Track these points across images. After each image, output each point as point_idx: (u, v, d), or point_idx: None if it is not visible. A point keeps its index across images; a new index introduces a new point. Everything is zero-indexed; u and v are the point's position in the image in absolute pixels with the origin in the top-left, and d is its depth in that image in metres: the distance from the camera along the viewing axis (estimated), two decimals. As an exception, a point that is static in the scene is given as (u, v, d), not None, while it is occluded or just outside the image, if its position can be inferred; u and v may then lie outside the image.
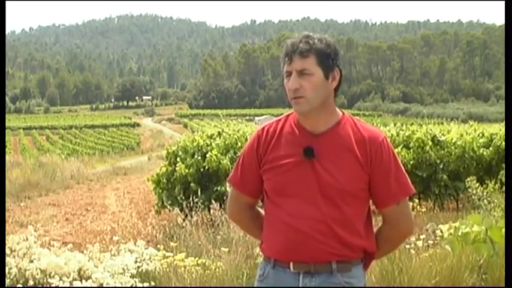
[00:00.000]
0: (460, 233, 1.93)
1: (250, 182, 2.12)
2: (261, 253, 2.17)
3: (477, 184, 6.49)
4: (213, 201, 7.12)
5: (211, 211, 6.74)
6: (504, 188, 4.17)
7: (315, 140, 2.01)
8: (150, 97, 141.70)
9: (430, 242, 4.61)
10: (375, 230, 2.13)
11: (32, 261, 3.95)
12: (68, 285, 3.72)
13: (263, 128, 2.11)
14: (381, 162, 2.01)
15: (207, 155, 8.31)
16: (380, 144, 2.02)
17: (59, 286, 3.71)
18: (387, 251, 2.30)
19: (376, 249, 2.10)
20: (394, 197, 2.05)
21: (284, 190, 2.02)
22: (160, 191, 8.78)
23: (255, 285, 2.14)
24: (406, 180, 2.08)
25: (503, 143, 8.37)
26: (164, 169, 8.89)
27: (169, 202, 8.37)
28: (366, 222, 2.06)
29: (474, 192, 6.22)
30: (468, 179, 6.76)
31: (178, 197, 8.15)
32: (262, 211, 2.21)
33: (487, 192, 6.25)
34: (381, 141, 2.03)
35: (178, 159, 8.64)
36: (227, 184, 7.80)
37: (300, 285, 2.00)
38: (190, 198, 7.62)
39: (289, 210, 2.00)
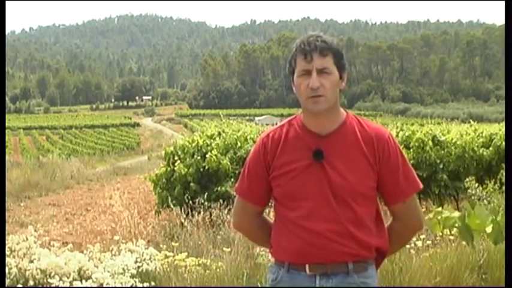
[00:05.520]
0: (439, 217, 1.96)
1: (258, 190, 2.10)
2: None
3: (476, 184, 6.49)
4: (214, 201, 7.11)
5: (212, 211, 6.74)
6: (504, 188, 4.17)
7: (322, 141, 2.00)
8: (150, 97, 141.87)
9: (430, 242, 4.61)
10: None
11: (32, 261, 3.95)
12: (68, 285, 3.71)
13: (267, 135, 2.09)
14: (388, 159, 2.01)
15: (207, 155, 8.31)
16: (386, 141, 2.02)
17: (59, 286, 3.70)
18: (398, 248, 2.30)
19: (388, 247, 2.09)
20: (403, 193, 2.05)
21: (296, 194, 2.00)
22: (160, 191, 8.77)
23: None
24: (413, 175, 2.08)
25: (503, 143, 8.36)
26: (163, 169, 8.88)
27: (170, 202, 8.36)
28: (376, 221, 2.06)
29: (474, 192, 6.23)
30: (467, 179, 6.77)
31: (179, 197, 8.15)
32: (268, 218, 2.20)
33: (487, 192, 6.26)
34: (387, 138, 2.03)
35: (176, 158, 8.63)
36: (228, 186, 7.83)
37: (317, 286, 1.98)
38: (191, 198, 7.62)
39: (303, 213, 1.98)
